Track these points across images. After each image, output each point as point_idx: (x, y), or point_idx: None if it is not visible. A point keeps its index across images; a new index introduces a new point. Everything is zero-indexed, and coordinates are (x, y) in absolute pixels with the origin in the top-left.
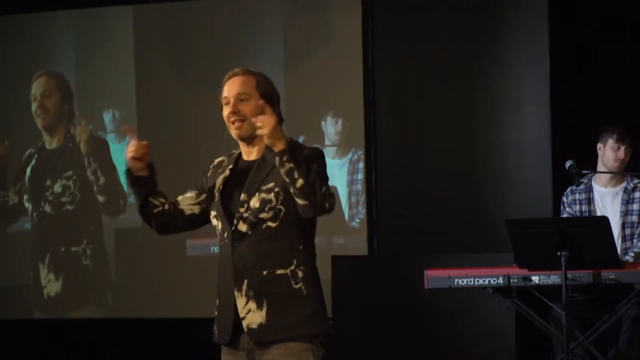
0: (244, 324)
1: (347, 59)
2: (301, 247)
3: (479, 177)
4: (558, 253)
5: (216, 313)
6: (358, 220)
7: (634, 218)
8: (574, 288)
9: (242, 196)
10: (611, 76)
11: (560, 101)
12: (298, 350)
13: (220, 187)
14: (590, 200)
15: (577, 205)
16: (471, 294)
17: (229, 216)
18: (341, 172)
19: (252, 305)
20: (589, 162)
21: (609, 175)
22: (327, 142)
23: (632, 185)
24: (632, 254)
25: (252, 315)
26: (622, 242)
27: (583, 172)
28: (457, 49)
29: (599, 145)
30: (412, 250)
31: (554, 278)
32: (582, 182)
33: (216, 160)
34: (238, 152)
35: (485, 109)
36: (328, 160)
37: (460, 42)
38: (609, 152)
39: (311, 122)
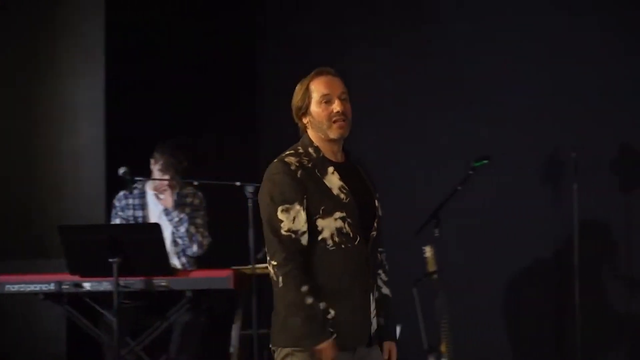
0: (372, 327)
1: None
2: None
3: (36, 184)
4: (110, 259)
5: (331, 316)
6: None
7: (183, 223)
8: (127, 294)
9: (376, 201)
10: (163, 85)
11: (115, 110)
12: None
13: (346, 188)
14: (144, 206)
15: (131, 210)
16: (24, 300)
17: (364, 219)
18: None
19: (374, 308)
20: (142, 169)
21: (156, 182)
22: None
23: (184, 192)
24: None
25: (375, 318)
26: (174, 246)
27: (136, 178)
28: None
29: (152, 160)
30: None
31: (105, 284)
32: (136, 188)
33: (293, 162)
34: (317, 152)
35: (44, 116)
36: None
37: (20, 51)
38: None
39: None
